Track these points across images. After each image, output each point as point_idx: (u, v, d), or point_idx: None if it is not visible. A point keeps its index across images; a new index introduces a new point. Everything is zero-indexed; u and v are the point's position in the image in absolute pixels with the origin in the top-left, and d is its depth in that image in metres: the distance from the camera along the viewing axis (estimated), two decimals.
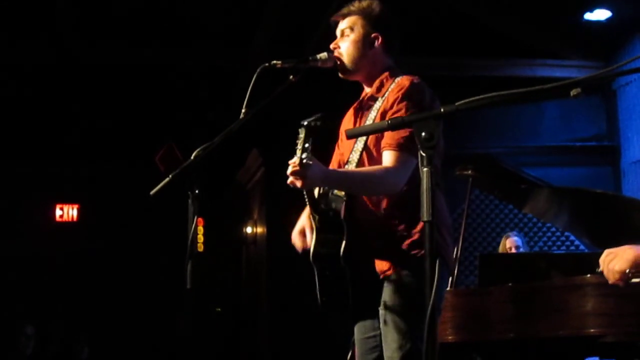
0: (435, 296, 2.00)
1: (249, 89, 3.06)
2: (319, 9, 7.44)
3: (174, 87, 9.10)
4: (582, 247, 8.10)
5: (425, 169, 2.07)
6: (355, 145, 3.20)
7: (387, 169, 3.03)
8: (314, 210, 3.13)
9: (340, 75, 3.32)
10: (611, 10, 8.07)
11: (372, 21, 3.26)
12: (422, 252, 2.90)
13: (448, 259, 3.20)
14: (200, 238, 9.93)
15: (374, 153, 3.14)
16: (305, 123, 2.79)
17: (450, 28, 8.26)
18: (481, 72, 8.90)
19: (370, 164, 3.14)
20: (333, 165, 3.40)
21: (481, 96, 2.10)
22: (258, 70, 3.09)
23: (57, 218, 10.75)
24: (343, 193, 3.08)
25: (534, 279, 4.96)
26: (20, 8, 7.44)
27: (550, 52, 8.86)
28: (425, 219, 2.05)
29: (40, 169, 10.40)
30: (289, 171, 2.84)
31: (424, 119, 2.12)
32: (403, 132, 2.95)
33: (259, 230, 9.91)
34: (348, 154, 3.25)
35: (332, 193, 3.11)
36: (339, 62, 3.27)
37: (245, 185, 10.59)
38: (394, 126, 2.25)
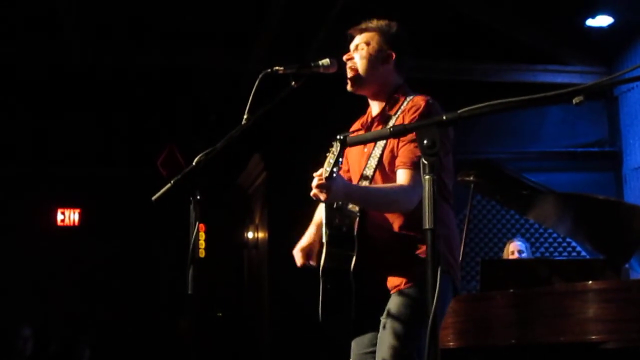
0: (437, 304, 2.00)
1: (251, 95, 3.06)
2: (321, 15, 7.46)
3: (176, 91, 9.10)
4: (583, 253, 8.10)
5: (427, 177, 2.07)
6: (369, 162, 3.21)
7: (402, 187, 3.05)
8: (327, 225, 3.15)
9: (349, 87, 3.32)
10: (613, 17, 8.08)
11: (388, 39, 3.28)
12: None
13: (456, 279, 3.21)
14: (202, 244, 9.92)
15: (388, 170, 3.16)
16: (341, 137, 2.80)
17: (453, 32, 8.27)
18: (483, 77, 8.90)
19: (383, 181, 3.16)
20: None
21: (484, 104, 2.10)
22: (260, 75, 3.09)
23: (59, 222, 10.74)
24: (357, 209, 3.11)
25: (536, 284, 4.96)
26: (24, 12, 7.46)
27: (553, 57, 8.86)
28: (427, 226, 2.05)
29: (42, 172, 10.40)
30: (314, 183, 2.86)
31: (426, 126, 2.12)
32: (417, 152, 2.95)
33: (261, 234, 9.91)
34: (359, 169, 3.27)
35: (346, 208, 3.13)
36: (351, 74, 3.28)
37: (247, 190, 10.59)
38: (395, 134, 2.26)
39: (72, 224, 10.74)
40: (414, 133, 2.98)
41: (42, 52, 8.06)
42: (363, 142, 2.39)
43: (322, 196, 2.86)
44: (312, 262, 3.37)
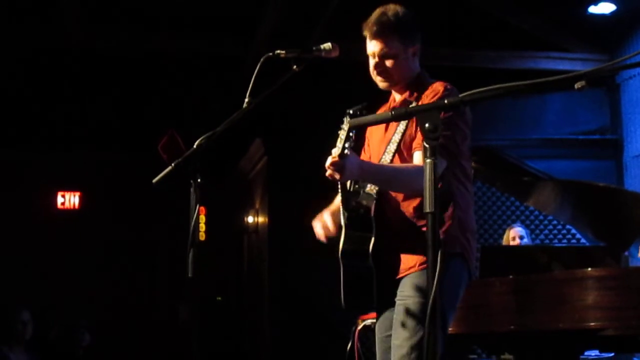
0: (437, 287, 2.00)
1: (253, 79, 3.06)
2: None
3: (177, 75, 9.09)
4: (583, 240, 8.12)
5: (429, 160, 2.07)
6: (388, 147, 3.23)
7: (418, 167, 2.99)
8: (344, 207, 3.16)
9: (382, 87, 3.34)
10: (615, 4, 8.05)
11: (406, 35, 3.26)
12: (447, 250, 2.99)
13: (469, 262, 3.22)
14: (202, 227, 9.93)
15: (406, 156, 3.18)
16: (351, 111, 2.78)
17: (455, 19, 8.25)
18: (485, 63, 8.88)
19: None
20: None
21: (485, 88, 2.10)
22: (262, 59, 3.08)
23: (59, 205, 10.76)
24: (374, 191, 3.13)
25: (535, 271, 4.97)
26: None
27: (555, 44, 8.84)
28: (428, 210, 2.05)
29: (42, 156, 10.40)
30: (328, 162, 2.87)
31: (427, 110, 2.12)
32: None
33: (261, 219, 9.92)
34: (378, 155, 3.29)
35: (364, 191, 3.15)
36: (386, 81, 3.29)
37: (248, 175, 10.60)
38: (397, 117, 2.26)
39: (72, 207, 10.75)
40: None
41: (41, 36, 8.03)
42: (366, 124, 2.39)
43: (337, 175, 2.87)
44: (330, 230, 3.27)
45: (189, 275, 2.97)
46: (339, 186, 3.10)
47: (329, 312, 8.47)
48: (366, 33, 3.28)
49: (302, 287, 8.60)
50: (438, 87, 3.19)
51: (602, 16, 8.28)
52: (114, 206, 10.44)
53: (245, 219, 10.47)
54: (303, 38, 7.60)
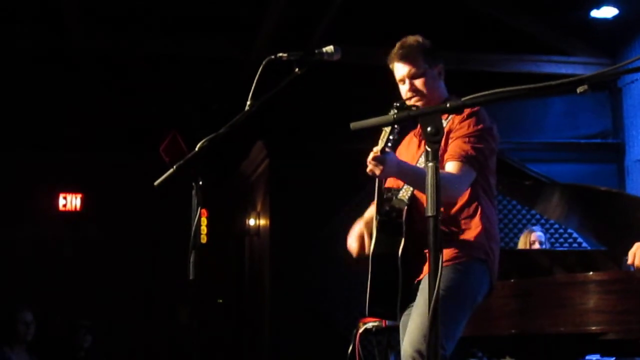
0: (438, 289, 2.01)
1: (255, 81, 3.06)
2: (324, 2, 7.44)
3: (179, 77, 9.10)
4: (585, 244, 8.11)
5: (430, 164, 2.07)
6: (420, 159, 3.35)
7: (452, 175, 3.21)
8: (378, 212, 3.29)
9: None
10: (618, 8, 8.06)
11: (430, 56, 3.43)
12: (469, 256, 3.20)
13: (492, 270, 3.32)
14: (204, 229, 9.92)
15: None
16: (398, 104, 2.85)
17: (457, 22, 8.25)
18: (487, 67, 8.89)
19: None
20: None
21: (488, 92, 2.10)
22: (264, 62, 3.09)
23: (61, 207, 10.75)
24: (406, 198, 3.26)
25: (537, 275, 4.97)
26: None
27: (557, 48, 8.85)
28: (429, 214, 2.06)
29: (44, 158, 10.40)
30: (370, 157, 2.98)
31: (430, 114, 2.12)
32: (466, 147, 3.21)
33: (262, 222, 9.91)
34: None
35: (396, 197, 3.29)
36: (422, 102, 3.38)
37: (249, 177, 10.59)
38: (399, 120, 2.26)
39: (74, 209, 10.74)
40: (461, 130, 3.24)
41: (44, 37, 8.04)
42: (366, 127, 2.39)
43: (377, 170, 2.98)
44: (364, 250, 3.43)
45: (190, 277, 2.97)
46: (376, 191, 3.25)
47: (330, 315, 8.48)
48: (392, 61, 3.43)
49: (303, 290, 8.60)
50: (469, 113, 3.31)
51: (604, 20, 8.28)
52: (115, 208, 10.43)
53: (247, 221, 10.46)
54: (305, 40, 7.61)
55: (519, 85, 2.13)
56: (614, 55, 8.82)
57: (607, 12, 8.12)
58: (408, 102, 3.37)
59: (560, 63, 8.89)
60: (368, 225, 3.41)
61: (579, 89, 2.03)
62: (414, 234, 3.19)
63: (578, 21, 8.47)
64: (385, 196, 3.30)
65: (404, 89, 3.41)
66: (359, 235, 3.45)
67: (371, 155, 2.97)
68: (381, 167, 2.96)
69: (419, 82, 3.37)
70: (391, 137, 2.94)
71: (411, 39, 3.44)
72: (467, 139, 3.26)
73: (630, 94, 8.86)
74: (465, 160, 3.21)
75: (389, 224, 3.25)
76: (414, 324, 3.13)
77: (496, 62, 8.93)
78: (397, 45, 3.43)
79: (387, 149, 2.95)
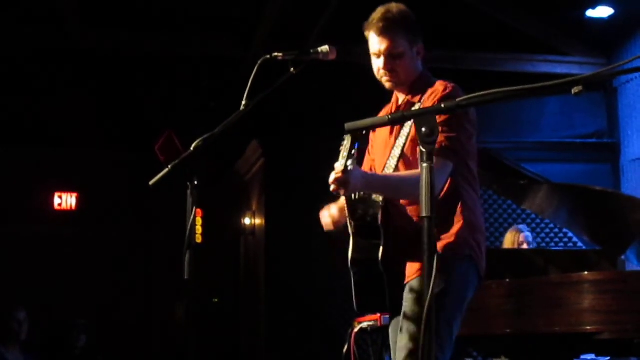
0: (432, 291, 2.00)
1: (250, 81, 3.05)
2: (321, 1, 7.43)
3: (175, 76, 9.08)
4: (580, 244, 8.12)
5: (425, 165, 2.07)
6: (393, 152, 3.20)
7: None
8: (351, 217, 3.14)
9: (388, 87, 3.29)
10: (613, 8, 8.06)
11: (412, 35, 3.23)
12: (452, 254, 3.05)
13: (479, 264, 3.19)
14: (199, 229, 9.90)
15: (412, 160, 3.14)
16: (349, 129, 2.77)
17: (452, 21, 8.24)
18: (482, 66, 8.88)
19: (407, 170, 3.15)
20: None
21: (483, 92, 2.10)
22: (259, 61, 3.08)
23: (56, 206, 10.73)
24: (381, 199, 3.09)
25: (532, 274, 4.97)
26: None
27: (552, 48, 8.85)
28: (424, 214, 2.05)
29: (39, 156, 10.38)
30: (331, 179, 2.85)
31: (424, 114, 2.12)
32: (439, 138, 2.93)
33: (258, 221, 9.91)
34: (383, 160, 3.25)
35: (370, 198, 3.12)
36: (393, 80, 3.24)
37: (245, 177, 10.58)
38: (393, 121, 2.25)
39: (69, 208, 10.72)
40: (440, 120, 2.96)
41: (41, 35, 8.03)
42: (361, 128, 2.38)
43: (342, 191, 2.86)
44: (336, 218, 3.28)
45: (186, 277, 2.96)
46: (345, 199, 3.09)
47: (325, 314, 8.48)
48: (370, 31, 3.22)
49: (298, 289, 8.60)
50: (438, 87, 3.16)
51: (600, 20, 8.29)
52: (111, 207, 10.42)
53: (242, 220, 10.45)
54: (301, 40, 7.60)
55: (514, 84, 2.12)
56: (610, 55, 8.83)
57: (602, 11, 8.12)
58: (378, 77, 3.24)
59: (556, 62, 8.89)
60: (341, 209, 3.24)
61: (574, 90, 2.02)
62: (393, 235, 3.07)
63: (574, 21, 8.46)
64: (357, 197, 3.11)
65: (377, 64, 3.23)
66: (329, 211, 3.30)
67: (333, 175, 2.84)
68: (345, 187, 2.84)
69: (395, 62, 3.19)
70: (352, 153, 2.78)
71: (395, 10, 3.20)
72: (439, 129, 2.99)
73: (625, 93, 8.87)
74: (439, 152, 2.92)
75: (365, 228, 3.11)
76: (400, 344, 3.04)
77: (491, 62, 8.93)
78: (379, 13, 3.21)
79: (349, 166, 2.79)
